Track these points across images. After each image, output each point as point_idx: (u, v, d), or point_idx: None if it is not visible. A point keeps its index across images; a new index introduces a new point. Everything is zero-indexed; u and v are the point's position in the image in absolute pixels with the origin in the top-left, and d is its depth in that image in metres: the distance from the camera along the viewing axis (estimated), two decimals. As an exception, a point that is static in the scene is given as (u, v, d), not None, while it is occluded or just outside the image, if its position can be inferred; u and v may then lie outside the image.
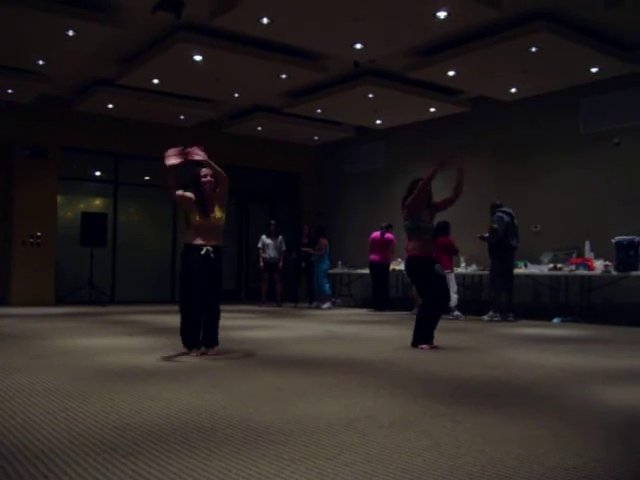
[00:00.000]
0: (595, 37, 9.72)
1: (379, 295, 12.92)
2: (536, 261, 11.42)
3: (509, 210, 10.66)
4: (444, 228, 11.05)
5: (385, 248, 12.77)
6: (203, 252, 5.64)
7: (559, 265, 10.82)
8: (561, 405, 3.75)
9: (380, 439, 2.89)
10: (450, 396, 3.95)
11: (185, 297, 5.76)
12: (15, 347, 6.16)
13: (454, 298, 11.16)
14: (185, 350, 5.71)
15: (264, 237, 14.15)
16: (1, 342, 6.59)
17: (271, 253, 14.05)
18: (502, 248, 10.48)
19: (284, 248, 14.18)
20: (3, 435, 2.92)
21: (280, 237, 14.22)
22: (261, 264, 14.04)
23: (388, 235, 12.83)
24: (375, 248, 12.87)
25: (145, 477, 2.35)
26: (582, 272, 10.52)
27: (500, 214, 10.57)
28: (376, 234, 12.94)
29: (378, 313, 12.36)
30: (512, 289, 10.64)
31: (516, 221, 10.64)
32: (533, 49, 9.59)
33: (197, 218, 5.73)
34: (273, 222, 14.40)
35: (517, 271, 11.19)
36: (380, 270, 12.85)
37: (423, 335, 6.45)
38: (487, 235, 10.63)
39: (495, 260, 10.63)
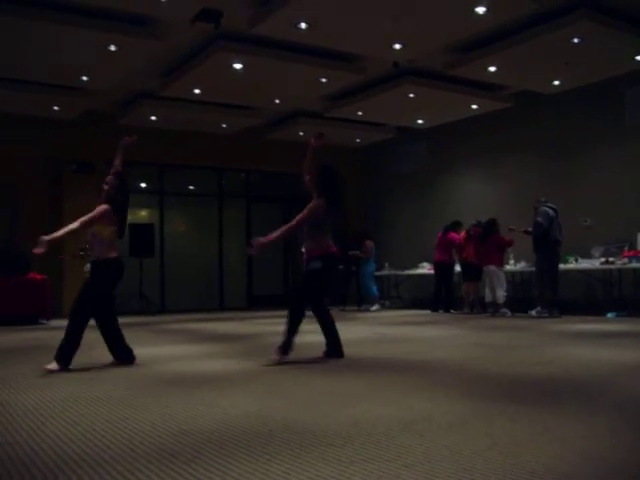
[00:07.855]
0: (638, 24, 9.51)
1: (438, 296, 12.65)
2: (587, 255, 11.21)
3: (553, 206, 10.54)
4: (494, 225, 11.14)
5: (445, 248, 12.40)
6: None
7: (611, 259, 10.60)
8: (619, 401, 3.68)
9: (439, 440, 2.87)
10: (506, 394, 3.90)
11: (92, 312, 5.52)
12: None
13: (502, 296, 11.04)
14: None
15: None
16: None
17: None
18: (548, 242, 10.33)
19: None
20: (66, 444, 2.97)
21: None
22: None
23: (452, 234, 12.40)
24: (437, 247, 12.54)
25: (207, 482, 2.37)
26: (635, 265, 10.29)
27: (546, 208, 10.47)
28: (440, 233, 12.63)
29: (429, 314, 12.22)
30: (557, 284, 10.46)
31: (559, 217, 10.48)
32: (575, 40, 9.42)
33: (114, 230, 5.71)
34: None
35: (568, 266, 11.02)
36: (440, 270, 12.54)
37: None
38: (530, 229, 10.52)
39: (541, 255, 10.49)
